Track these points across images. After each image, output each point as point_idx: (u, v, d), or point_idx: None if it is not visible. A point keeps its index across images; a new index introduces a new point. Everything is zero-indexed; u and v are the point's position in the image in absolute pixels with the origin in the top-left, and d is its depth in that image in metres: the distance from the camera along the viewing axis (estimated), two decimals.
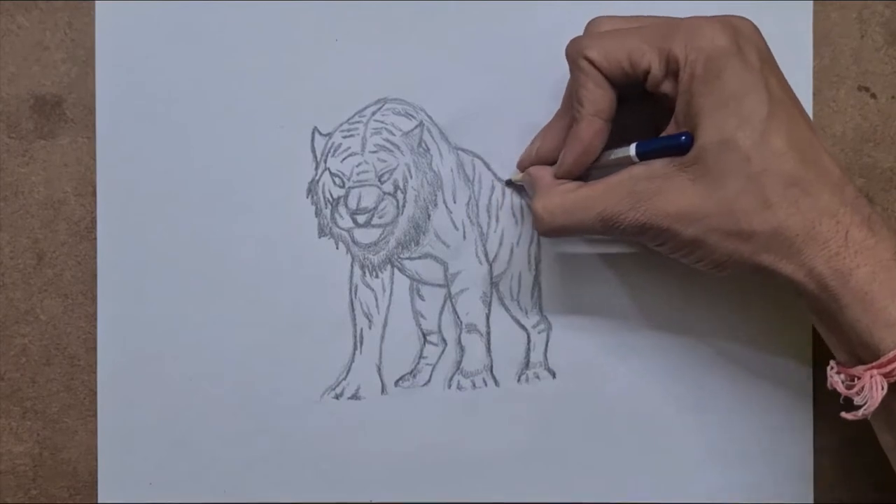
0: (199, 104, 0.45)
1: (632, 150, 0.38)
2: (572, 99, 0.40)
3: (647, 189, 0.37)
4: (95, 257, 0.45)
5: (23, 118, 0.45)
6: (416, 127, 0.45)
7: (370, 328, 0.46)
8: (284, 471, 0.45)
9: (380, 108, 0.45)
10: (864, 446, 0.46)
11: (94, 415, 0.45)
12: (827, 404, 0.46)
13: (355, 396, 0.46)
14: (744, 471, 0.47)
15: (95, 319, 0.45)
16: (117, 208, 0.45)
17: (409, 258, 0.46)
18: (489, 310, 0.46)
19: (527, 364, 0.46)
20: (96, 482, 0.45)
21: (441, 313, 0.46)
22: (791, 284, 0.36)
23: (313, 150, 0.45)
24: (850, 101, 0.47)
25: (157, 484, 0.45)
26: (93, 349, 0.45)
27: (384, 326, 0.46)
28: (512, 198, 0.46)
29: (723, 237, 0.36)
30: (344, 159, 0.45)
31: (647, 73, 0.37)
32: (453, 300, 0.46)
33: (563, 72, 0.45)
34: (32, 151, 0.45)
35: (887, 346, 0.34)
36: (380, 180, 0.45)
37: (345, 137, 0.45)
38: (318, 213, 0.45)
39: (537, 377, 0.46)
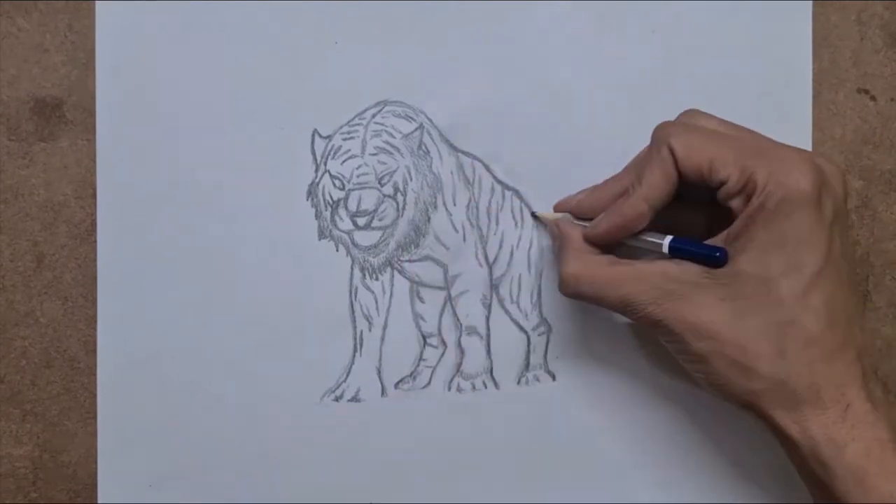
0: (199, 106, 0.45)
1: (665, 244, 0.39)
2: (635, 171, 0.40)
3: (674, 290, 0.37)
4: (95, 260, 0.45)
5: (23, 120, 0.45)
6: (416, 129, 0.45)
7: (370, 330, 0.46)
8: (284, 473, 0.45)
9: (380, 111, 0.45)
10: None
11: (94, 417, 0.45)
12: None
13: (355, 399, 0.46)
14: (744, 471, 0.46)
15: (95, 322, 0.45)
16: (117, 210, 0.45)
17: (409, 260, 0.46)
18: (489, 312, 0.46)
19: (527, 366, 0.46)
20: (96, 485, 0.45)
21: (441, 315, 0.46)
22: (783, 437, 0.37)
23: (313, 153, 0.45)
24: (850, 103, 0.46)
25: (157, 486, 0.45)
26: (93, 351, 0.45)
27: (384, 329, 0.46)
28: (512, 200, 0.46)
29: (729, 365, 0.37)
30: (344, 161, 0.45)
31: (723, 184, 0.37)
32: (453, 302, 0.46)
33: (562, 73, 0.45)
34: (32, 154, 0.45)
35: None
36: (380, 183, 0.45)
37: (345, 140, 0.45)
38: (317, 216, 0.45)
39: (537, 380, 0.46)
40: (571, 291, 0.40)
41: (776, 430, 0.37)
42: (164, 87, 0.45)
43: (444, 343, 0.46)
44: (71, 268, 0.45)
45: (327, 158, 0.45)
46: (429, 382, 0.46)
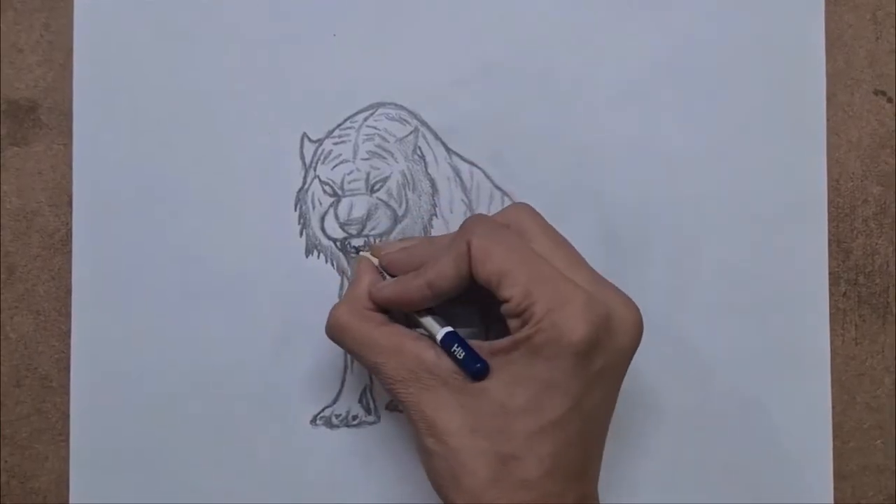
0: (183, 110, 0.44)
1: (438, 336, 0.38)
2: (439, 247, 0.39)
3: (424, 379, 0.37)
4: (70, 272, 0.44)
5: None
6: (410, 133, 0.44)
7: None
8: (270, 497, 0.44)
9: (373, 114, 0.44)
10: (885, 471, 0.46)
11: (67, 440, 0.44)
12: (847, 428, 0.46)
13: (346, 419, 0.44)
14: (744, 471, 0.45)
15: (69, 338, 0.44)
16: (94, 220, 0.44)
17: None
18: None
19: None
20: None
21: None
22: None
23: (302, 158, 0.44)
24: (866, 105, 0.46)
25: None
26: (66, 369, 0.44)
27: None
28: None
29: (445, 471, 0.37)
30: (335, 167, 0.44)
31: (506, 301, 0.36)
32: None
33: (564, 76, 0.45)
34: (4, 159, 0.44)
35: None
36: (372, 189, 0.44)
37: (335, 144, 0.44)
38: (306, 225, 0.44)
39: None
40: (334, 338, 0.40)
41: None
42: (145, 89, 0.44)
43: None
44: (44, 280, 0.44)
45: (317, 163, 0.44)
46: None
